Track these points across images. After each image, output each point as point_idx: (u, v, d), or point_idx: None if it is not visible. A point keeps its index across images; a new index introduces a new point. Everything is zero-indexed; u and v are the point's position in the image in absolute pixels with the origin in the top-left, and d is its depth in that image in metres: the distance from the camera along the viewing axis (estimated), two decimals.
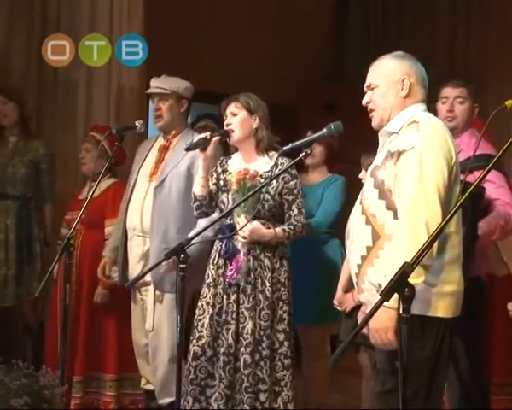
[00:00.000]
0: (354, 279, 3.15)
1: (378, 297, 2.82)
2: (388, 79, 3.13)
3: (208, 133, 4.14)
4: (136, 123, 4.45)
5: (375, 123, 3.14)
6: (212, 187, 4.22)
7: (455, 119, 4.12)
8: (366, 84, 3.19)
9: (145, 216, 4.54)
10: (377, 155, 3.15)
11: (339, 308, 3.97)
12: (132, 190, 4.66)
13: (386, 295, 2.28)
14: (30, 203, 5.26)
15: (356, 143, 4.34)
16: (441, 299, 2.98)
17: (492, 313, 4.32)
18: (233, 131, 4.18)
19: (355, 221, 3.14)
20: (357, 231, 3.11)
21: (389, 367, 2.98)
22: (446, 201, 2.91)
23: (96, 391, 5.01)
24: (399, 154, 2.98)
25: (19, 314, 5.31)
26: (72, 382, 4.87)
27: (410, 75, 3.13)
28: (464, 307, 3.08)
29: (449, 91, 4.18)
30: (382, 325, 2.83)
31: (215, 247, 4.21)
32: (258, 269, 4.10)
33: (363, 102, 3.19)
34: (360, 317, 3.33)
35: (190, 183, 4.41)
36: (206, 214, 4.23)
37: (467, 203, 2.93)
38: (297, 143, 3.37)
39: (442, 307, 2.98)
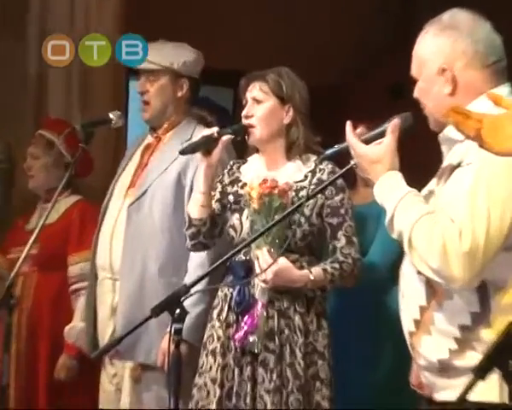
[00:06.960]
0: (410, 348, 2.58)
1: (443, 380, 2.45)
2: (425, 71, 2.49)
3: (216, 129, 3.17)
4: (111, 115, 3.49)
5: (430, 125, 2.53)
6: (215, 205, 3.26)
7: None
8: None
9: (115, 248, 3.60)
10: (437, 174, 2.52)
11: (418, 391, 2.98)
12: (104, 214, 3.69)
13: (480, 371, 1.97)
14: None
15: (427, 144, 3.24)
16: None
17: None
18: (254, 127, 3.24)
19: (405, 269, 2.54)
20: (407, 283, 2.54)
21: None
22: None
23: None
24: (453, 169, 2.43)
25: None
26: None
27: (454, 60, 2.43)
28: None
29: None
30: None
31: (221, 294, 3.23)
32: (286, 331, 3.13)
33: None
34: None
35: (181, 198, 3.53)
36: (205, 246, 3.30)
37: None
38: (345, 143, 2.51)
39: None
